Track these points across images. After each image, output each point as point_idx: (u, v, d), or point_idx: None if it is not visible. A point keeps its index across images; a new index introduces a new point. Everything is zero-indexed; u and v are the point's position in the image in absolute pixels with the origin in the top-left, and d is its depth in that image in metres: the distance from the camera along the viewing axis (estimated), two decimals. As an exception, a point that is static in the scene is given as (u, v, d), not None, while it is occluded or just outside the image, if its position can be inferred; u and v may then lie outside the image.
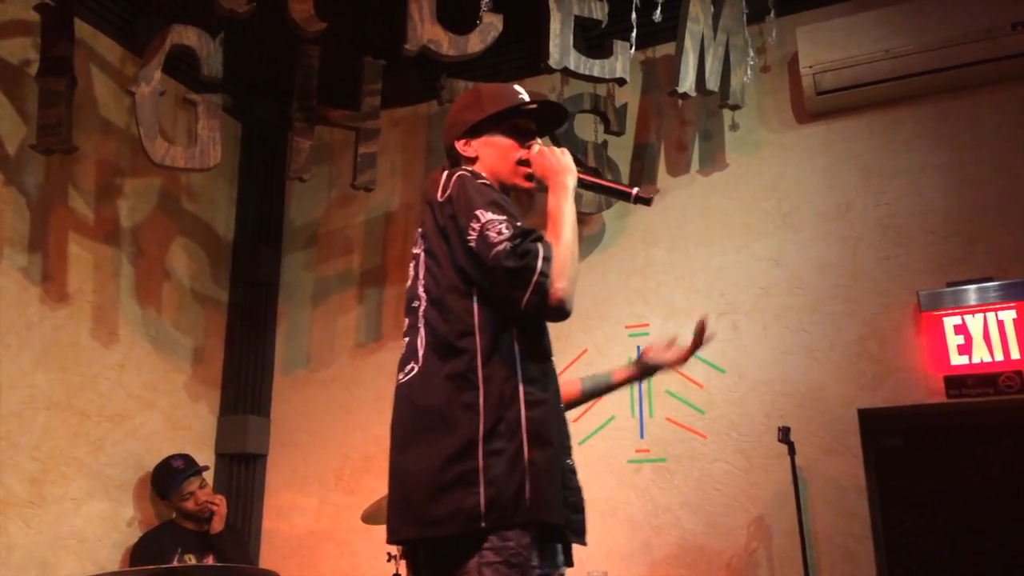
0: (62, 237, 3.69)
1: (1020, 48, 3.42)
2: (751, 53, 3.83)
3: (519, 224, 1.74)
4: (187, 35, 3.48)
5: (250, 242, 4.59)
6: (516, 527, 1.62)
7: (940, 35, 3.50)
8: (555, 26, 3.50)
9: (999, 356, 3.28)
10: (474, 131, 1.99)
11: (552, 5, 3.50)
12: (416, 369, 1.79)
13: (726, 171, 3.94)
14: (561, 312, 1.72)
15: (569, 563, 1.87)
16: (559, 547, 1.76)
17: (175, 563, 3.52)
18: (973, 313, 3.34)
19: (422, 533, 1.68)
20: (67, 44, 3.45)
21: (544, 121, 2.08)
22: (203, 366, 4.33)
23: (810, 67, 3.67)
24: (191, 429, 4.20)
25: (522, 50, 4.13)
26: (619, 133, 4.00)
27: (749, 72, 3.81)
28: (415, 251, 1.92)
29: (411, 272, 1.92)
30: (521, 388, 1.71)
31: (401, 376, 1.82)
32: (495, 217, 1.73)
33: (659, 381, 3.77)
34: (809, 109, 3.80)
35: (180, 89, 4.13)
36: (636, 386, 3.79)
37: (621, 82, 3.67)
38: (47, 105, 3.36)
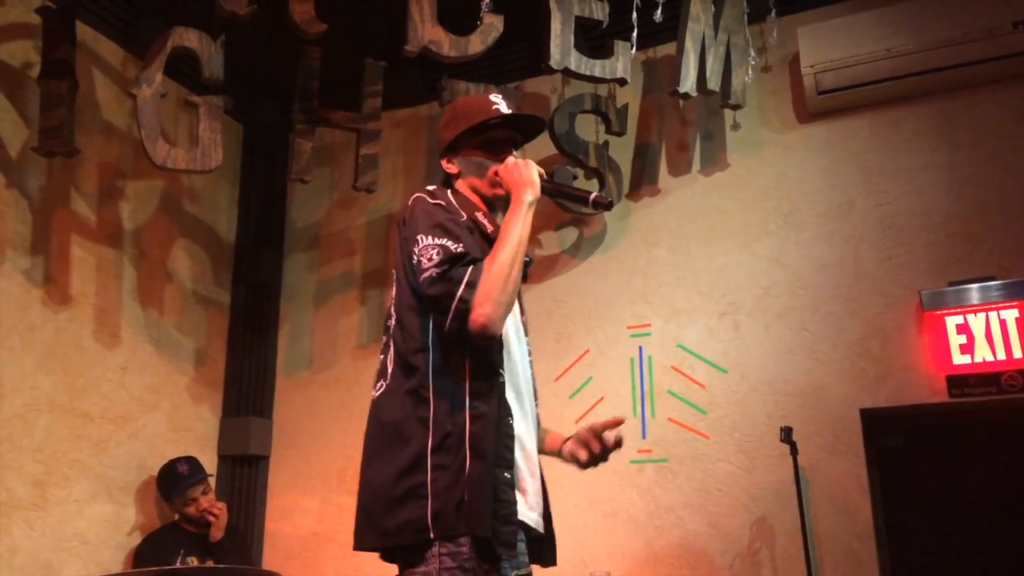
0: (64, 239, 3.69)
1: (1021, 47, 3.41)
2: (752, 53, 3.83)
3: (457, 248, 1.79)
4: (188, 37, 3.48)
5: (252, 244, 4.59)
6: (461, 536, 1.69)
7: (941, 34, 3.50)
8: (556, 26, 3.50)
9: (1001, 355, 3.28)
10: (452, 148, 2.05)
11: (553, 6, 3.50)
12: (384, 386, 1.88)
13: (727, 171, 3.94)
14: (483, 337, 1.76)
15: (547, 562, 1.93)
16: (518, 550, 1.81)
17: (178, 565, 3.53)
18: (975, 312, 3.34)
19: (381, 543, 1.78)
20: (69, 47, 3.45)
21: (521, 129, 2.10)
22: (205, 368, 4.33)
23: (811, 67, 3.67)
24: (193, 431, 4.21)
25: (523, 51, 4.13)
26: (620, 133, 4.00)
27: (750, 72, 3.81)
28: (392, 269, 2.00)
29: (390, 291, 1.99)
30: (467, 402, 1.77)
31: (373, 392, 1.91)
32: (432, 242, 1.80)
33: (661, 382, 3.77)
34: (810, 109, 3.80)
35: (181, 91, 4.13)
36: (638, 386, 3.80)
37: (622, 82, 3.67)
38: (49, 108, 3.37)
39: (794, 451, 3.26)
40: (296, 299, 4.62)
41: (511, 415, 1.84)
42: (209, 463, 4.17)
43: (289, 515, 4.28)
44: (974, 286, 3.35)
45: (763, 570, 3.42)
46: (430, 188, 1.95)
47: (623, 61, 3.62)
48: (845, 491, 3.39)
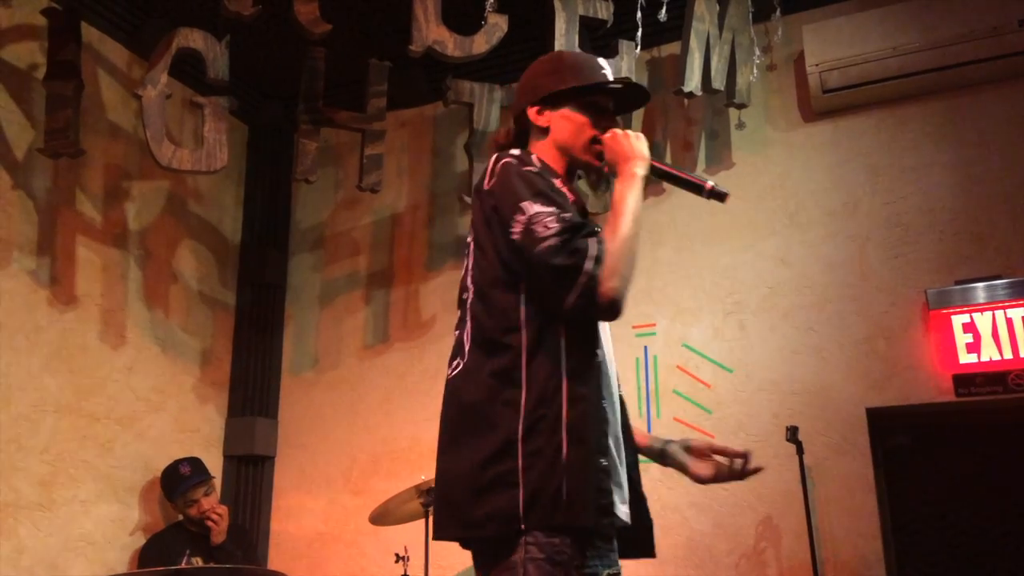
0: (70, 240, 3.70)
1: (1027, 45, 3.41)
2: (757, 51, 3.82)
3: (569, 217, 1.66)
4: (193, 38, 3.48)
5: (257, 244, 4.60)
6: (558, 527, 1.58)
7: (947, 32, 3.49)
8: (560, 26, 3.50)
9: (1008, 354, 3.27)
10: (550, 100, 1.89)
11: (557, 5, 3.50)
12: (461, 365, 1.73)
13: (732, 170, 3.93)
14: (611, 313, 1.66)
15: (642, 554, 1.81)
16: (615, 545, 1.71)
17: (183, 564, 3.53)
18: (982, 311, 3.33)
19: (464, 534, 1.67)
20: (74, 48, 3.46)
21: (622, 102, 1.98)
22: (211, 368, 4.34)
23: (816, 65, 3.66)
24: (199, 431, 4.21)
25: (527, 50, 4.08)
26: (625, 133, 3.99)
27: (755, 71, 3.80)
28: (467, 239, 1.84)
29: (463, 263, 1.85)
30: (564, 385, 1.64)
31: (449, 372, 1.77)
32: (543, 209, 1.66)
33: (666, 381, 3.77)
34: (815, 107, 3.79)
35: (187, 92, 4.13)
36: (643, 386, 3.79)
37: (627, 82, 3.66)
38: (54, 109, 3.38)
39: (800, 451, 3.25)
40: (301, 299, 4.62)
41: (604, 398, 1.73)
42: (215, 463, 4.18)
43: (295, 515, 4.29)
44: (980, 285, 3.34)
45: (769, 570, 3.41)
46: (514, 152, 1.80)
47: (627, 60, 3.62)
48: (851, 491, 3.38)
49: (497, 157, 1.79)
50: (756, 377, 3.63)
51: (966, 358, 3.31)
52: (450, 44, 3.44)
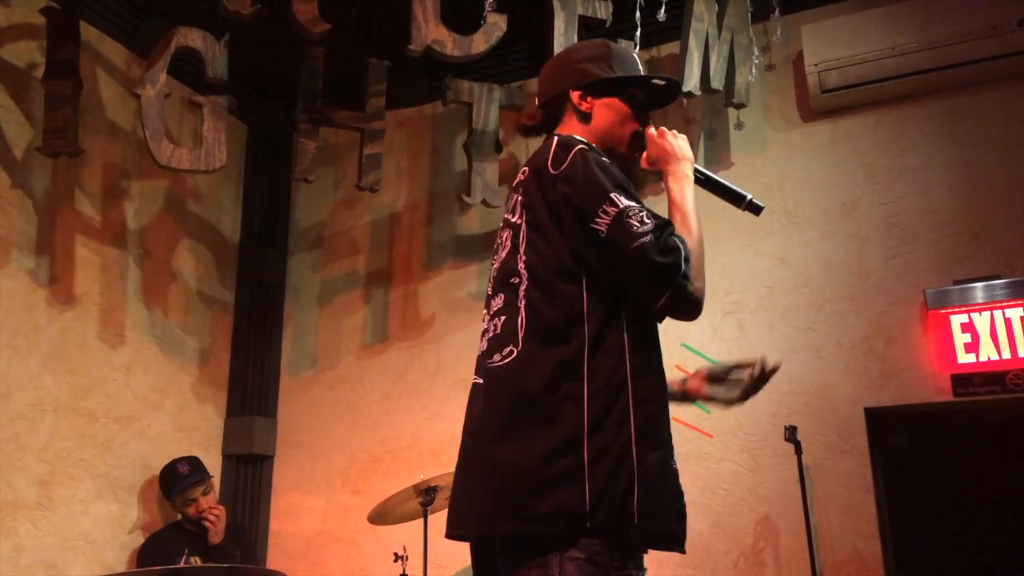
0: (69, 239, 3.70)
1: (1026, 45, 3.41)
2: (756, 51, 3.82)
3: (655, 213, 1.63)
4: (192, 37, 3.48)
5: (256, 243, 4.60)
6: (621, 529, 1.54)
7: (946, 32, 3.49)
8: (559, 26, 3.49)
9: (1006, 354, 3.27)
10: (596, 88, 1.85)
11: (556, 5, 3.50)
12: (515, 353, 1.64)
13: (731, 170, 3.93)
14: (696, 313, 1.66)
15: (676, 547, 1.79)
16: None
17: (182, 564, 3.53)
18: (980, 311, 3.33)
19: (521, 528, 1.55)
20: (73, 47, 3.46)
21: (655, 98, 1.95)
22: (210, 368, 4.34)
23: (815, 65, 3.66)
24: (198, 430, 4.21)
25: (527, 50, 4.12)
26: (624, 132, 3.99)
27: (754, 70, 3.80)
28: (513, 219, 1.76)
29: (505, 243, 1.76)
30: (629, 382, 1.60)
31: (497, 358, 1.67)
32: (632, 204, 1.62)
33: (665, 380, 3.76)
34: (814, 107, 3.79)
35: (185, 91, 4.13)
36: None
37: (625, 81, 3.67)
38: (53, 108, 3.38)
39: (798, 450, 3.25)
40: (300, 299, 4.62)
41: (666, 399, 1.69)
42: (213, 463, 4.18)
43: (293, 515, 4.29)
44: (979, 285, 3.34)
45: (767, 569, 3.41)
46: (580, 139, 1.74)
47: (627, 60, 3.62)
48: (849, 490, 3.38)
49: (566, 142, 1.72)
50: (755, 377, 3.63)
51: (964, 358, 3.32)
52: (449, 43, 3.44)
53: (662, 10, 3.63)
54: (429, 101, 4.52)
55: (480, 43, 3.48)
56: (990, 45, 3.44)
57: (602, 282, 1.64)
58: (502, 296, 1.72)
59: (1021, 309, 3.29)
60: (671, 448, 1.67)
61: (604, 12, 3.62)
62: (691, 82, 3.62)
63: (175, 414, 4.10)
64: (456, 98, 3.83)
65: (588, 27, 3.67)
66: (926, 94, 3.65)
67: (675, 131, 1.85)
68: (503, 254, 1.76)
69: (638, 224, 1.59)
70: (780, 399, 3.57)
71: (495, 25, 3.49)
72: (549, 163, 1.69)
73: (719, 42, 3.70)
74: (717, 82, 3.67)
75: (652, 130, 1.86)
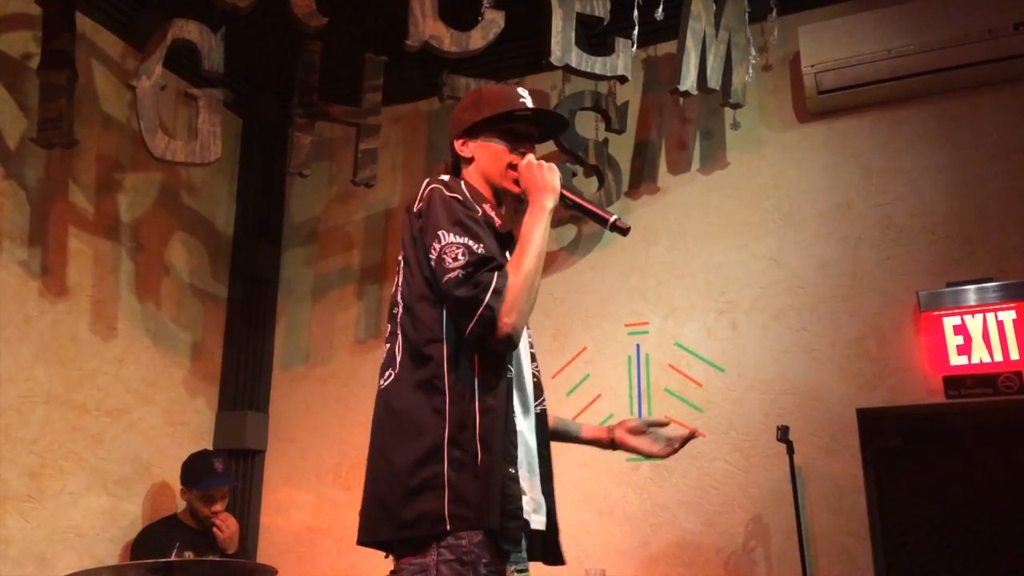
0: (62, 231, 3.68)
1: (1022, 49, 3.41)
2: (753, 52, 3.83)
3: (479, 249, 1.77)
4: (188, 29, 3.47)
5: (250, 238, 4.59)
6: (474, 529, 1.69)
7: (942, 35, 3.50)
8: (557, 23, 3.49)
9: (998, 357, 3.28)
10: (471, 132, 2.03)
11: (554, 2, 3.50)
12: (393, 375, 1.85)
13: (727, 170, 3.94)
14: (507, 345, 1.78)
15: (552, 561, 1.93)
16: (523, 547, 1.83)
17: (172, 557, 3.51)
18: (973, 313, 3.34)
19: (398, 534, 1.74)
20: (68, 38, 3.44)
21: (544, 127, 2.11)
22: (202, 362, 4.33)
23: (812, 66, 3.66)
24: (189, 424, 4.20)
25: (524, 47, 4.12)
26: (620, 131, 4.00)
27: (751, 71, 3.81)
28: (399, 257, 1.96)
29: (396, 278, 1.96)
30: (477, 396, 1.76)
31: (381, 382, 1.89)
32: (455, 240, 1.78)
33: (658, 379, 3.77)
34: (810, 108, 3.80)
35: (181, 84, 4.12)
36: (635, 384, 3.80)
37: (622, 80, 3.67)
38: (48, 99, 3.36)
39: (790, 450, 3.26)
40: (294, 294, 4.61)
41: (514, 411, 1.85)
42: (205, 457, 4.17)
43: (284, 510, 4.28)
44: (972, 287, 3.35)
45: (758, 569, 3.42)
46: (444, 178, 1.92)
47: (624, 58, 3.62)
48: (841, 491, 3.39)
49: (428, 182, 1.91)
50: (748, 376, 3.64)
51: (957, 360, 3.33)
52: (446, 39, 3.43)
53: (660, 9, 3.64)
54: (425, 97, 4.51)
55: (477, 39, 3.47)
56: (986, 48, 3.45)
57: None
58: (389, 326, 1.94)
59: (1014, 312, 3.30)
60: (508, 455, 1.78)
61: (602, 10, 3.61)
62: (688, 81, 3.62)
63: (167, 407, 4.08)
64: (453, 94, 3.82)
65: (585, 24, 3.67)
66: (922, 96, 3.66)
67: (543, 161, 1.96)
68: (393, 288, 1.96)
69: (451, 260, 1.76)
70: (773, 399, 3.57)
71: (493, 21, 3.49)
72: (416, 202, 1.91)
73: (716, 42, 3.70)
74: (714, 82, 3.67)
75: (523, 161, 1.98)
